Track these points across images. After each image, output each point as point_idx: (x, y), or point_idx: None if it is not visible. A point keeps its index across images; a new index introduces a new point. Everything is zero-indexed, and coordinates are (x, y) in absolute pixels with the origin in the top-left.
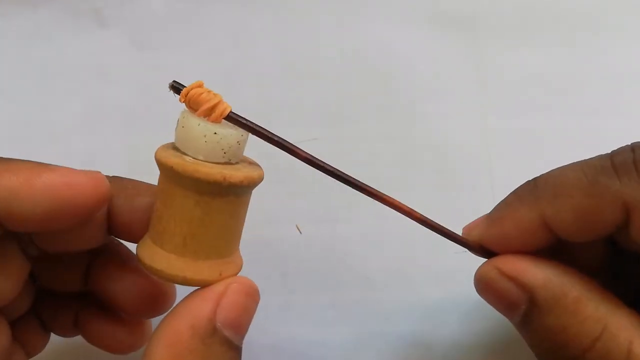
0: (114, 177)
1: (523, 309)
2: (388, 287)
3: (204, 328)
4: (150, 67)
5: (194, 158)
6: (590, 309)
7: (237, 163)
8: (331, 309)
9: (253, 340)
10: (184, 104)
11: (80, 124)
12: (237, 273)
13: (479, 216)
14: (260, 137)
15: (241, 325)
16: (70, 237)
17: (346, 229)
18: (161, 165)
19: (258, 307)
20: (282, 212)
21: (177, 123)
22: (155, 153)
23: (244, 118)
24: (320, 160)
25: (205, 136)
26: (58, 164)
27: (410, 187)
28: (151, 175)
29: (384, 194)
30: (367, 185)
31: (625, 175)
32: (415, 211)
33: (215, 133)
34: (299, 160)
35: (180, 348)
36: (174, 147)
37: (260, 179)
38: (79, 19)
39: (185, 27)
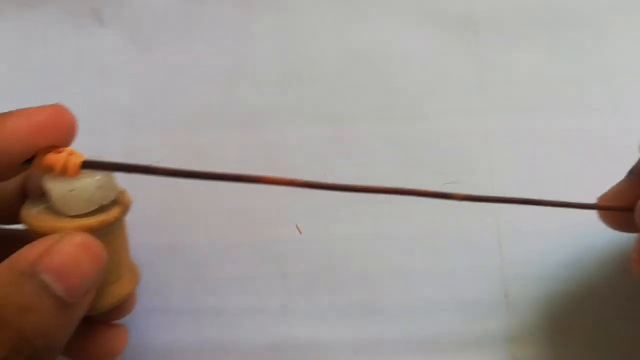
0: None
1: None
2: (388, 287)
3: (22, 267)
4: (150, 66)
5: (69, 216)
6: None
7: (112, 204)
8: (331, 309)
9: (253, 340)
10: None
11: (79, 123)
12: (119, 302)
13: (479, 216)
14: (123, 172)
15: (69, 277)
16: None
17: (346, 229)
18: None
19: (258, 306)
20: (282, 212)
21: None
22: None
23: (99, 162)
24: (182, 169)
25: (64, 196)
26: None
27: (410, 187)
28: (151, 175)
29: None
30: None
31: None
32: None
33: (71, 190)
34: (299, 160)
35: None
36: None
37: (102, 225)
38: (78, 18)
39: (185, 27)
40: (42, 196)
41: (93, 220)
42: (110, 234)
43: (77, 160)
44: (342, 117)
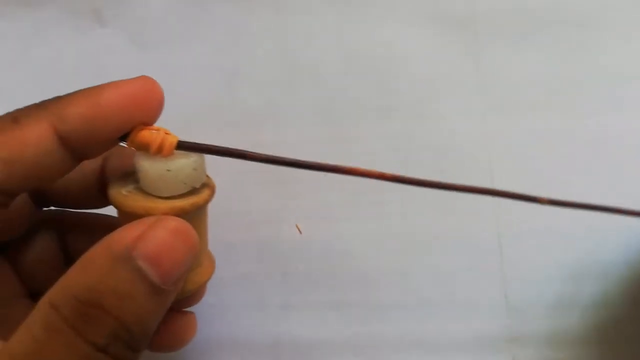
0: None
1: None
2: (388, 287)
3: (118, 252)
4: (150, 67)
5: (158, 197)
6: None
7: (201, 186)
8: (331, 309)
9: (253, 339)
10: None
11: None
12: (196, 289)
13: (479, 216)
14: (216, 155)
15: (163, 263)
16: (63, 188)
17: (346, 229)
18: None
19: (257, 306)
20: (282, 212)
21: (135, 168)
22: (110, 181)
23: (193, 143)
24: (276, 156)
25: (161, 176)
26: None
27: (410, 187)
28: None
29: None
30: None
31: None
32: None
33: (168, 170)
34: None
35: (89, 262)
36: (135, 186)
37: (194, 207)
38: (78, 18)
39: (185, 27)
40: (126, 176)
41: (185, 202)
42: (197, 217)
43: (173, 140)
44: (342, 117)
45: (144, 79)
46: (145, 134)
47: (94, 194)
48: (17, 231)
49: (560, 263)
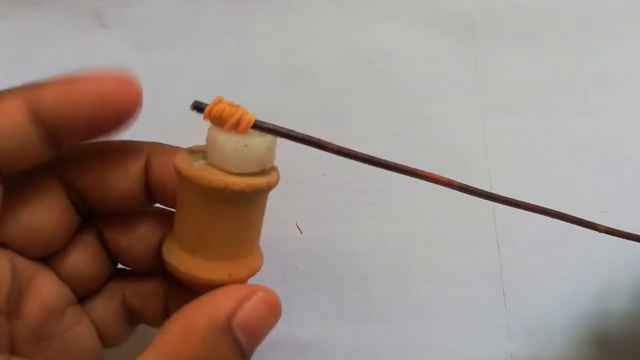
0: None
1: None
2: (388, 287)
3: (220, 322)
4: (150, 67)
5: (227, 172)
6: None
7: (270, 169)
8: (331, 309)
9: None
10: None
11: None
12: (249, 276)
13: (479, 216)
14: (288, 139)
15: (256, 334)
16: (108, 191)
17: (346, 229)
18: (174, 168)
19: None
20: (282, 212)
21: (207, 140)
22: (176, 157)
23: (269, 124)
24: (351, 150)
25: (236, 150)
26: None
27: (410, 187)
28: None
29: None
30: (408, 167)
31: None
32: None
33: (245, 145)
34: (299, 160)
35: (192, 333)
36: (205, 160)
37: (269, 186)
38: (79, 19)
39: (186, 27)
40: (191, 153)
41: (260, 180)
42: (261, 199)
43: (251, 117)
44: (342, 117)
45: (121, 73)
46: (224, 107)
47: (140, 196)
48: (62, 243)
49: (560, 263)
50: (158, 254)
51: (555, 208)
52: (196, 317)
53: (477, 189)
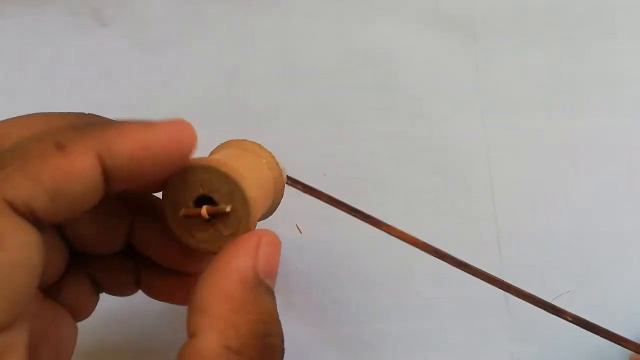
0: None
1: None
2: (388, 287)
3: (252, 281)
4: (150, 67)
5: None
6: None
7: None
8: (331, 309)
9: None
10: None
11: None
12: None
13: (479, 217)
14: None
15: (274, 273)
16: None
17: (346, 229)
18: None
19: None
20: (282, 212)
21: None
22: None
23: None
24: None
25: None
26: None
27: (410, 187)
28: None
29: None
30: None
31: None
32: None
33: None
34: (299, 160)
35: (235, 303)
36: None
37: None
38: (79, 19)
39: (185, 27)
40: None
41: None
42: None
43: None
44: (342, 117)
45: (181, 122)
46: None
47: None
48: (57, 275)
49: (560, 263)
50: (122, 235)
51: (555, 205)
52: (230, 286)
53: (453, 256)
